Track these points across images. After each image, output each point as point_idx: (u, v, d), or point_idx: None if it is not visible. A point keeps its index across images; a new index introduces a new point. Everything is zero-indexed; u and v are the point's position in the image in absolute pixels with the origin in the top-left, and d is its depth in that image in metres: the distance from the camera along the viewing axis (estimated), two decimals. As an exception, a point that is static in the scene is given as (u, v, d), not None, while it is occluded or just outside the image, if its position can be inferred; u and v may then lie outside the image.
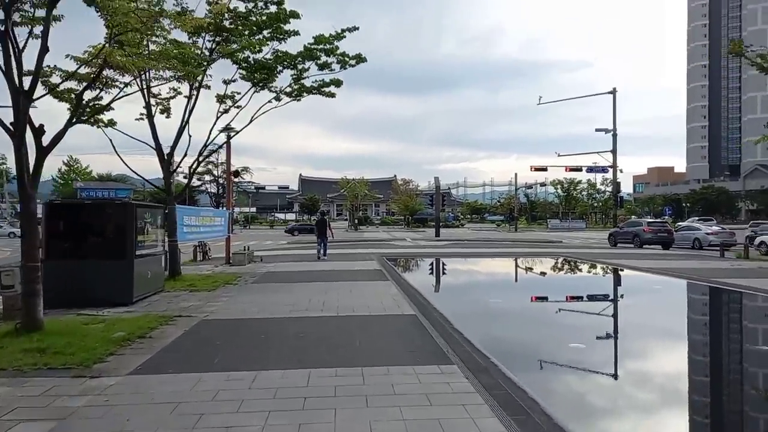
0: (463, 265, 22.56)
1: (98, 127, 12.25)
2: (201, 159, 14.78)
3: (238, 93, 15.20)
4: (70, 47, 9.00)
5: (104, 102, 11.31)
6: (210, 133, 14.74)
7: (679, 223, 43.84)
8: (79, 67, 7.50)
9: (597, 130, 46.83)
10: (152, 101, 14.23)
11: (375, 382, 5.46)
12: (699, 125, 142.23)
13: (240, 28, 13.30)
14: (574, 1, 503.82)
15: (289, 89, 15.26)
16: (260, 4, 13.29)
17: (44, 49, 6.93)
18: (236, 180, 72.15)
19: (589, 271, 19.25)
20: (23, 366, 6.02)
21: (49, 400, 5.03)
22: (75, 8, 8.20)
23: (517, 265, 21.99)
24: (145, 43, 10.62)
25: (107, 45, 7.48)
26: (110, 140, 12.87)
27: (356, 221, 75.14)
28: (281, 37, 13.79)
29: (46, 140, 7.41)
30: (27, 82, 7.50)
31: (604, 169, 47.04)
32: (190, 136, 14.52)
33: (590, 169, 48.41)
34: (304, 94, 15.28)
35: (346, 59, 14.66)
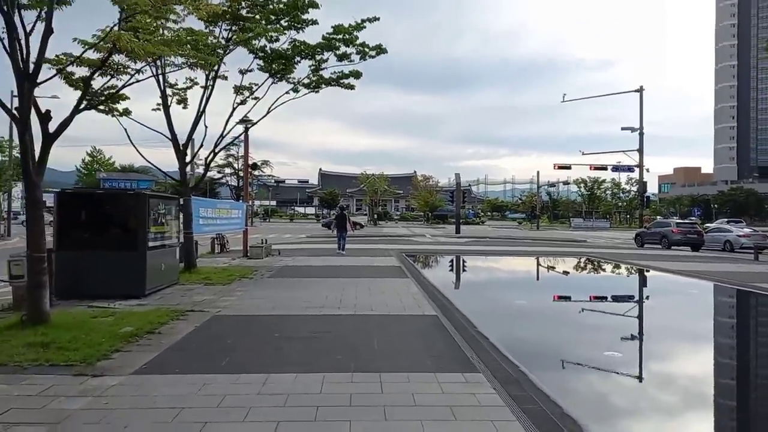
0: (486, 263, 21.99)
1: (113, 116, 12.05)
2: (217, 150, 14.46)
3: (256, 84, 14.86)
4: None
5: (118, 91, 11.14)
6: (226, 124, 14.43)
7: (708, 225, 42.59)
8: (85, 50, 7.16)
9: (623, 128, 45.81)
10: (168, 92, 13.97)
11: (394, 390, 5.02)
12: (727, 126, 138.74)
13: (257, 17, 12.89)
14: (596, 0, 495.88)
15: (307, 80, 14.87)
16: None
17: (48, 31, 6.61)
18: (256, 173, 72.59)
19: (618, 272, 18.56)
20: (24, 361, 5.73)
21: (46, 401, 4.69)
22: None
23: (542, 265, 21.33)
24: (159, 31, 10.31)
25: (114, 28, 7.12)
26: (125, 129, 12.67)
27: (375, 216, 74.79)
28: (299, 26, 13.37)
29: (52, 127, 7.09)
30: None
31: (630, 168, 45.98)
32: (206, 127, 14.26)
33: (616, 168, 47.37)
34: (323, 85, 14.87)
35: (366, 49, 14.17)
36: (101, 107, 11.60)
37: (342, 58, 14.40)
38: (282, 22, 13.31)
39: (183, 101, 14.54)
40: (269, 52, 14.06)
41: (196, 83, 14.21)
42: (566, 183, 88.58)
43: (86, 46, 7.14)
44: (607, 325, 9.81)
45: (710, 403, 5.73)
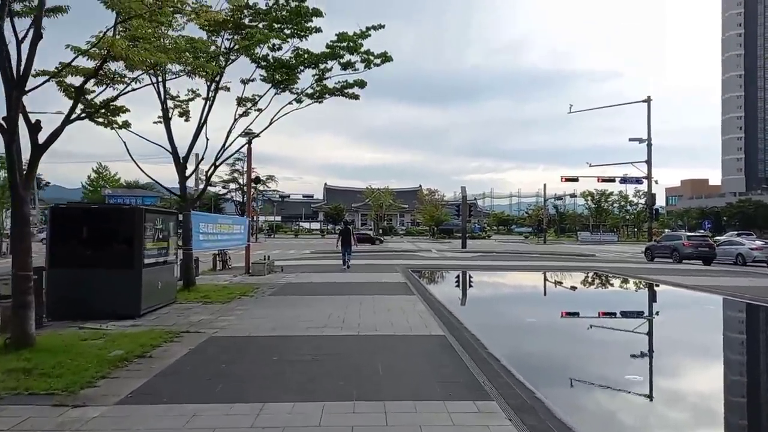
0: (493, 279, 21.49)
1: (112, 128, 11.73)
2: (218, 163, 14.13)
3: (258, 95, 14.56)
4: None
5: (117, 101, 10.85)
6: (228, 136, 14.09)
7: (718, 237, 41.89)
8: (76, 57, 6.86)
9: (631, 139, 45.31)
10: (170, 104, 13.69)
11: (400, 422, 4.58)
12: (735, 137, 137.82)
13: (260, 26, 12.61)
14: (601, 12, 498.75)
15: (310, 90, 14.56)
16: (281, 1, 12.63)
17: (37, 36, 6.31)
18: (261, 189, 72.42)
19: (631, 288, 18.04)
20: (2, 390, 5.32)
21: (18, 437, 4.29)
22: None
23: (551, 280, 20.80)
24: (161, 40, 10.02)
25: (105, 33, 6.82)
26: (124, 143, 12.37)
27: (381, 231, 74.31)
28: (302, 34, 13.08)
29: (42, 138, 6.77)
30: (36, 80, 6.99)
31: (638, 180, 45.39)
32: (207, 139, 13.95)
33: (624, 180, 46.79)
34: (327, 95, 14.56)
35: (371, 57, 13.85)
36: (100, 119, 11.34)
37: (346, 66, 14.09)
38: (285, 30, 13.02)
39: (185, 114, 14.24)
40: (272, 61, 13.78)
41: (198, 95, 13.92)
42: (573, 196, 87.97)
43: (77, 53, 6.82)
44: (625, 344, 9.33)
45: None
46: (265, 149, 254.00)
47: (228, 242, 18.37)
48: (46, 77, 7.00)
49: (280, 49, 13.71)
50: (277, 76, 13.92)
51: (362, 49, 13.70)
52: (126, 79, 8.55)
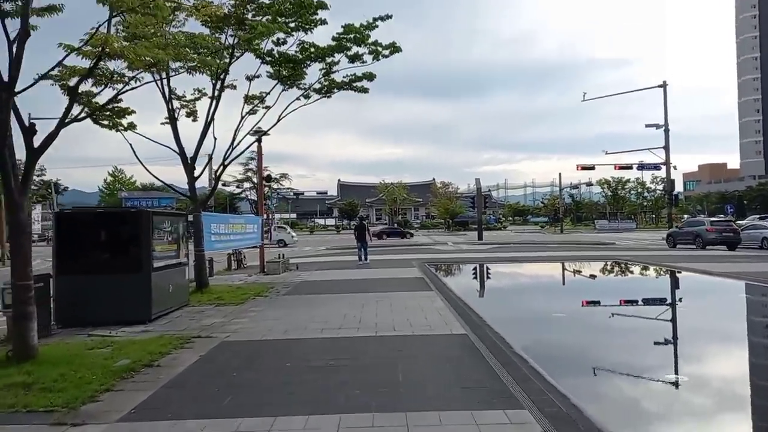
0: (513, 270, 20.91)
1: (117, 130, 11.46)
2: (227, 163, 13.78)
3: (265, 92, 14.18)
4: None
5: (122, 103, 10.55)
6: (235, 134, 13.74)
7: (740, 222, 40.80)
8: (67, 55, 6.51)
9: (647, 125, 44.19)
10: (176, 104, 13.40)
11: (424, 437, 4.17)
12: (752, 119, 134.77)
13: (264, 20, 12.20)
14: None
15: (318, 85, 14.16)
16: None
17: (25, 34, 5.98)
18: (275, 187, 72.25)
19: (659, 277, 17.38)
20: (-1, 407, 5.02)
21: (11, 461, 3.96)
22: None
23: (574, 271, 20.18)
24: (161, 38, 9.67)
25: (98, 29, 6.45)
26: (131, 145, 12.10)
27: (396, 225, 73.82)
28: (307, 26, 12.65)
29: (37, 141, 6.45)
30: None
31: (656, 167, 44.30)
32: (215, 138, 13.63)
33: (641, 167, 45.73)
34: (335, 89, 14.15)
35: (379, 48, 13.39)
36: (105, 122, 11.06)
37: (354, 59, 13.66)
38: (290, 24, 12.60)
39: (192, 114, 13.95)
40: (277, 56, 13.38)
41: (205, 94, 13.60)
42: (589, 184, 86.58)
43: (69, 50, 6.47)
44: (666, 338, 8.76)
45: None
46: (278, 148, 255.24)
47: (241, 242, 18.09)
48: (37, 78, 6.65)
49: (285, 43, 13.33)
50: (284, 72, 13.53)
51: (369, 41, 13.24)
52: (125, 79, 8.18)
